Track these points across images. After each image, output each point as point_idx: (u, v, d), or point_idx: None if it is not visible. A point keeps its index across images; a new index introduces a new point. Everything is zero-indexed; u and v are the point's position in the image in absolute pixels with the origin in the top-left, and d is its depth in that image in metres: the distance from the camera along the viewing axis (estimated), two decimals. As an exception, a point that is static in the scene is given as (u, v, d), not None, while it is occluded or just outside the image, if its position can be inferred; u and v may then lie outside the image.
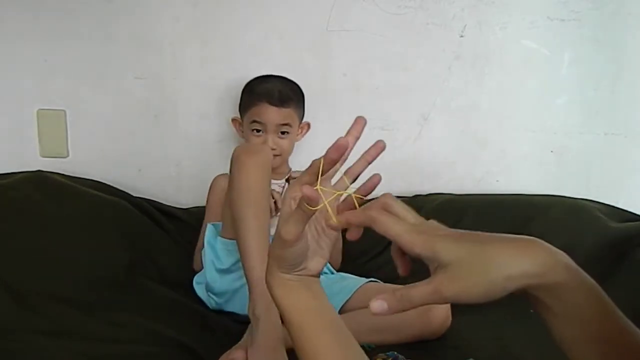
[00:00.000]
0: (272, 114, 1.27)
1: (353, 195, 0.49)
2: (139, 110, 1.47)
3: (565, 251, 0.44)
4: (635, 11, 1.52)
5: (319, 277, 0.55)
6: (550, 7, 1.51)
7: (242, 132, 1.37)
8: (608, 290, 0.43)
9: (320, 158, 0.48)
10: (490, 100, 1.56)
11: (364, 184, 0.50)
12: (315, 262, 0.53)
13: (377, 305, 0.44)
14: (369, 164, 0.53)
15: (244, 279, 0.98)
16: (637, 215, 1.41)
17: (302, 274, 0.53)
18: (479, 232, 0.45)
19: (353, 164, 0.54)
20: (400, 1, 1.47)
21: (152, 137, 1.48)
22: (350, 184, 0.52)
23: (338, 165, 0.51)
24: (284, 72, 1.37)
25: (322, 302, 0.54)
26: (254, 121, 1.29)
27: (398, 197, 0.51)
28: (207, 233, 1.20)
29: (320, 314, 0.53)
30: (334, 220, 0.49)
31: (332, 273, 1.26)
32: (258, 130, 1.29)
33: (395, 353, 0.95)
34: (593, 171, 1.63)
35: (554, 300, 0.42)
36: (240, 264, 1.03)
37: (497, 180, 1.61)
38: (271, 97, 1.27)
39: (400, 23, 1.48)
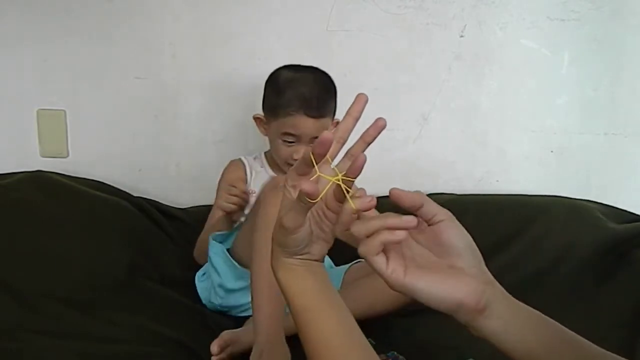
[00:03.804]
0: (308, 126, 1.14)
1: (342, 178, 0.50)
2: (139, 110, 1.47)
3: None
4: (635, 11, 1.52)
5: (322, 261, 0.55)
6: (550, 7, 1.51)
7: (266, 130, 1.24)
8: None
9: (309, 150, 0.49)
10: (490, 100, 1.56)
11: (350, 166, 0.50)
12: (318, 247, 0.54)
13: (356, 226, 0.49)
14: (369, 144, 0.53)
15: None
16: (638, 215, 1.41)
17: (305, 259, 0.53)
18: None
19: (352, 146, 0.54)
20: (400, 1, 1.47)
21: (152, 137, 1.48)
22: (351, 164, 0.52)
23: (337, 148, 0.53)
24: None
25: (326, 285, 0.54)
26: (286, 133, 1.16)
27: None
28: (211, 251, 1.14)
29: (324, 296, 0.53)
30: (351, 205, 0.49)
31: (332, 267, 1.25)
32: (290, 141, 1.17)
33: (395, 353, 0.95)
34: (593, 171, 1.63)
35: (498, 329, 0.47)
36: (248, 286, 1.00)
37: (497, 180, 1.61)
38: (308, 106, 1.13)
39: (400, 23, 1.48)
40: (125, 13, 1.41)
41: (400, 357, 0.94)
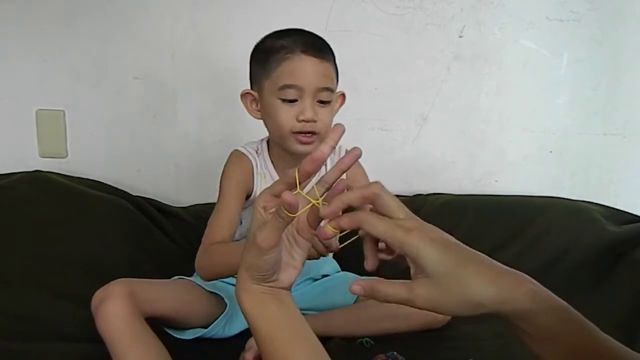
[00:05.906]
0: (310, 70, 0.93)
1: (322, 202, 0.49)
2: (138, 110, 1.47)
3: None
4: (634, 11, 1.53)
5: (289, 290, 0.54)
6: (549, 7, 1.51)
7: (258, 110, 1.03)
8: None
9: (295, 168, 0.48)
10: (489, 100, 1.56)
11: (331, 191, 0.50)
12: (287, 274, 0.53)
13: (356, 288, 0.48)
14: (343, 172, 0.52)
15: None
16: (637, 216, 1.41)
17: (273, 286, 0.52)
18: (466, 248, 0.48)
19: (327, 172, 0.52)
20: (399, 1, 1.47)
21: (151, 138, 1.48)
22: (324, 192, 0.51)
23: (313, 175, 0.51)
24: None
25: (294, 314, 0.53)
26: (285, 86, 0.94)
27: (397, 196, 0.51)
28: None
29: (292, 326, 0.52)
30: (329, 228, 0.49)
31: (338, 271, 1.21)
32: (291, 99, 0.94)
33: (395, 353, 0.95)
34: (592, 171, 1.63)
35: (526, 324, 0.45)
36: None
37: (496, 181, 1.62)
38: (306, 44, 0.94)
39: (399, 23, 1.48)
40: (125, 13, 1.41)
41: (400, 357, 0.94)
